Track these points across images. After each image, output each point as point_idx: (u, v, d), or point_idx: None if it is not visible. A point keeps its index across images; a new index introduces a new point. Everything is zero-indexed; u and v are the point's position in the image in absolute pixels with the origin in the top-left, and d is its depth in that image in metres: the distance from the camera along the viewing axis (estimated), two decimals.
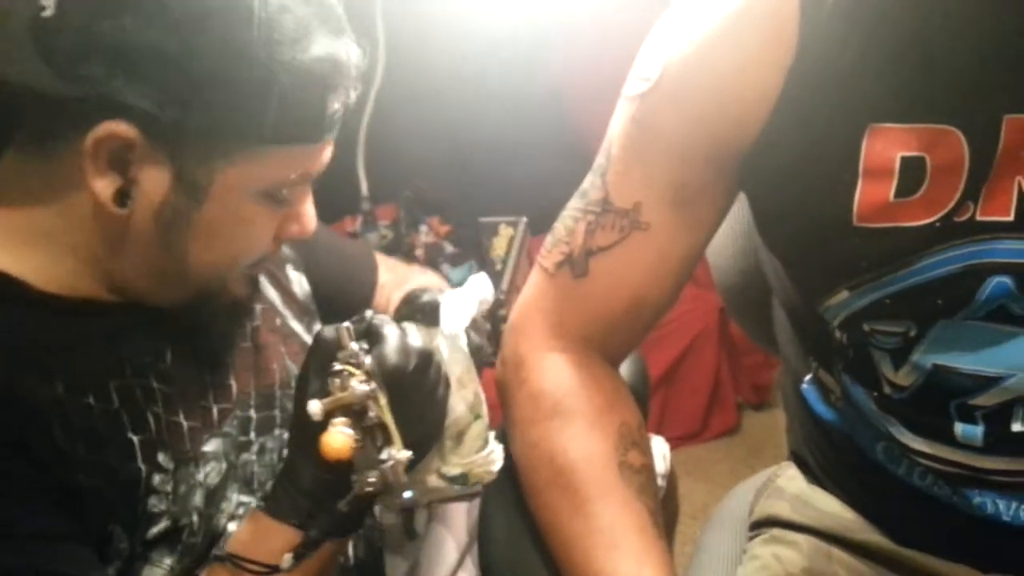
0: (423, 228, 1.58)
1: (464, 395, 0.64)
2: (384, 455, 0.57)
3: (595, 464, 0.65)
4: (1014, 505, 0.65)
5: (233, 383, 0.70)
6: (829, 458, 0.78)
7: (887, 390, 0.68)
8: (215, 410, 0.67)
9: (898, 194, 0.58)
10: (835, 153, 0.58)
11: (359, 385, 0.57)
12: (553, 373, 0.68)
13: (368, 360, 0.58)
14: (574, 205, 0.70)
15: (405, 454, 0.58)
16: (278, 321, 0.76)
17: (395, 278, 0.90)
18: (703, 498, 1.70)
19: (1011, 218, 0.56)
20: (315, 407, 0.57)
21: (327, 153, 0.62)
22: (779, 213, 0.63)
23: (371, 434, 0.57)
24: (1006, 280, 0.57)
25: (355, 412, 0.57)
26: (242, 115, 0.55)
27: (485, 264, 1.46)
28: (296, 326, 0.78)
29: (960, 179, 0.56)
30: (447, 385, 0.64)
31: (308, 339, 0.77)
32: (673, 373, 1.87)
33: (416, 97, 1.68)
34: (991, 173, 0.56)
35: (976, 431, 0.64)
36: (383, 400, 0.57)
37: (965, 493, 0.67)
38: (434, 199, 1.60)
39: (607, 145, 0.68)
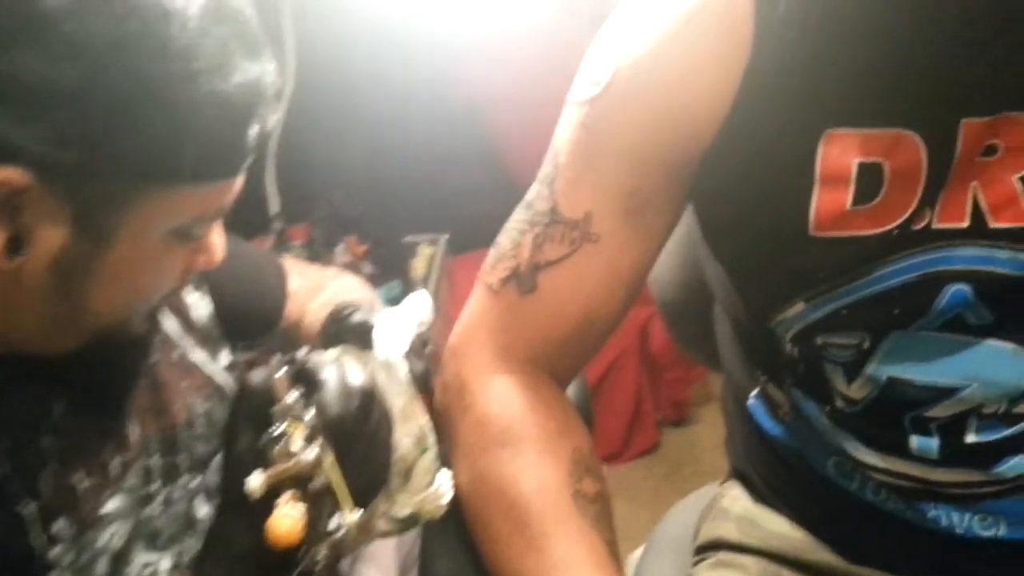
0: (339, 247, 1.51)
1: (408, 429, 0.59)
2: (334, 524, 0.51)
3: (548, 495, 0.61)
4: (967, 517, 0.65)
5: (132, 429, 0.62)
6: (776, 476, 0.77)
7: (839, 404, 0.66)
8: (115, 463, 0.60)
9: (855, 202, 0.56)
10: (791, 159, 0.57)
11: (306, 452, 0.50)
12: (500, 397, 0.64)
13: (308, 414, 0.52)
14: (519, 217, 0.66)
15: (356, 515, 0.53)
16: (177, 354, 0.68)
17: (308, 284, 0.83)
18: (627, 518, 1.67)
19: (966, 224, 0.56)
20: (256, 483, 0.50)
21: (240, 182, 0.56)
22: (732, 222, 0.61)
23: (319, 501, 0.51)
24: (964, 288, 0.57)
25: (301, 480, 0.50)
26: (157, 156, 0.48)
27: (407, 285, 1.41)
28: (198, 356, 0.71)
29: (918, 185, 0.56)
30: (390, 421, 0.58)
31: (213, 368, 0.70)
32: (595, 393, 1.85)
33: (329, 110, 1.61)
34: (948, 179, 0.55)
35: (931, 443, 0.63)
36: (329, 460, 0.51)
37: (919, 507, 0.66)
38: (351, 217, 1.53)
39: (553, 153, 0.64)
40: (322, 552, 0.51)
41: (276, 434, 0.51)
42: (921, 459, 0.64)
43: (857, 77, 0.55)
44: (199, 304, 0.73)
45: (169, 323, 0.69)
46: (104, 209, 0.49)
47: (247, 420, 0.54)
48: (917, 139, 0.55)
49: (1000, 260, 0.56)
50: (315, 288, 0.82)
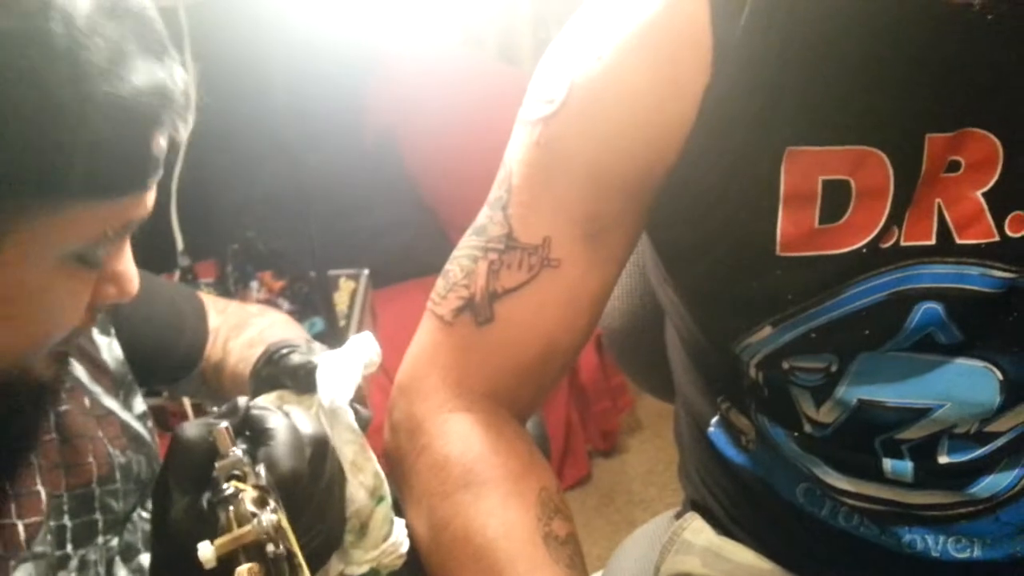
0: (254, 284, 1.42)
1: (362, 479, 0.53)
2: None
3: (517, 539, 0.55)
4: (942, 540, 0.63)
5: (41, 488, 0.54)
6: (741, 506, 0.74)
7: (808, 428, 0.64)
8: (21, 527, 0.52)
9: (822, 220, 0.54)
10: (755, 179, 0.55)
11: (264, 514, 0.43)
12: (458, 437, 0.59)
13: (257, 470, 0.45)
14: (471, 243, 0.61)
15: None
16: (88, 401, 0.61)
17: (230, 321, 0.75)
18: None
19: (933, 242, 0.55)
20: (207, 552, 0.42)
21: (150, 198, 0.49)
22: (695, 247, 0.58)
23: (278, 569, 0.43)
24: (935, 306, 0.55)
25: (257, 547, 0.43)
26: (40, 167, 0.41)
27: (331, 320, 1.33)
28: (110, 403, 0.63)
29: (885, 203, 0.54)
30: (343, 473, 0.52)
31: (126, 416, 0.63)
32: None
33: (240, 141, 1.53)
34: (914, 196, 0.54)
35: (906, 466, 0.62)
36: (284, 522, 0.44)
37: (894, 531, 0.64)
38: (265, 251, 1.44)
39: (505, 175, 0.60)
40: None
41: (226, 495, 0.44)
42: (895, 482, 0.62)
43: (820, 95, 0.53)
44: (110, 346, 0.65)
45: (78, 368, 0.61)
46: None
47: (183, 479, 0.46)
48: (882, 156, 0.53)
49: (971, 277, 0.55)
50: (237, 326, 0.75)
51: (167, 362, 0.70)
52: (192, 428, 0.47)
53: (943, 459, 0.61)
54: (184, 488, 0.46)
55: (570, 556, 0.57)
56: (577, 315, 0.60)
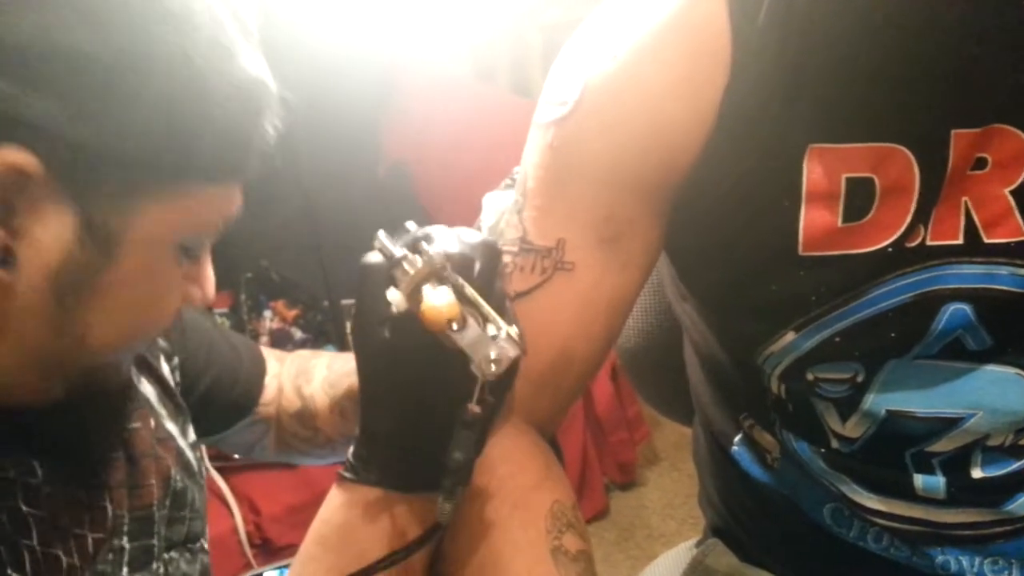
0: (267, 313, 1.42)
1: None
2: (491, 331, 0.47)
3: (524, 554, 0.53)
4: (978, 561, 0.60)
5: (108, 505, 0.53)
6: (766, 529, 0.71)
7: (835, 444, 0.62)
8: (90, 540, 0.51)
9: (846, 218, 0.53)
10: (776, 177, 0.53)
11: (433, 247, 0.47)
12: None
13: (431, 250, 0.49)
14: None
15: (513, 328, 0.48)
16: (153, 422, 0.60)
17: (289, 370, 0.75)
18: None
19: (960, 241, 0.53)
20: (395, 295, 0.48)
21: (240, 195, 0.49)
22: (715, 250, 0.57)
23: (472, 316, 0.47)
24: (964, 307, 0.53)
25: (437, 278, 0.47)
26: (176, 138, 0.42)
27: (343, 348, 1.32)
28: (171, 427, 0.62)
29: (911, 200, 0.52)
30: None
31: (182, 443, 0.62)
32: None
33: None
34: (941, 194, 0.52)
35: (938, 482, 0.59)
36: (459, 279, 0.48)
37: (926, 552, 0.61)
38: (279, 281, 1.44)
39: (522, 179, 0.59)
40: (495, 353, 0.47)
41: (399, 256, 0.48)
42: (927, 500, 0.60)
43: (842, 91, 0.52)
44: (174, 375, 0.65)
45: (147, 388, 0.61)
46: (113, 209, 0.42)
47: (370, 293, 0.50)
48: (908, 153, 0.52)
49: (1000, 277, 0.53)
50: (302, 372, 0.74)
51: (217, 406, 0.69)
52: (372, 255, 0.50)
53: (976, 473, 0.59)
54: (374, 300, 0.49)
55: (580, 572, 0.54)
56: (593, 321, 0.58)
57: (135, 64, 0.41)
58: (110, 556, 0.52)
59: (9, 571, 0.45)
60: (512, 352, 0.47)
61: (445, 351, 0.47)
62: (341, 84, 1.61)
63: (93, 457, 0.54)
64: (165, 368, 0.64)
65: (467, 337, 0.47)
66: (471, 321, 0.47)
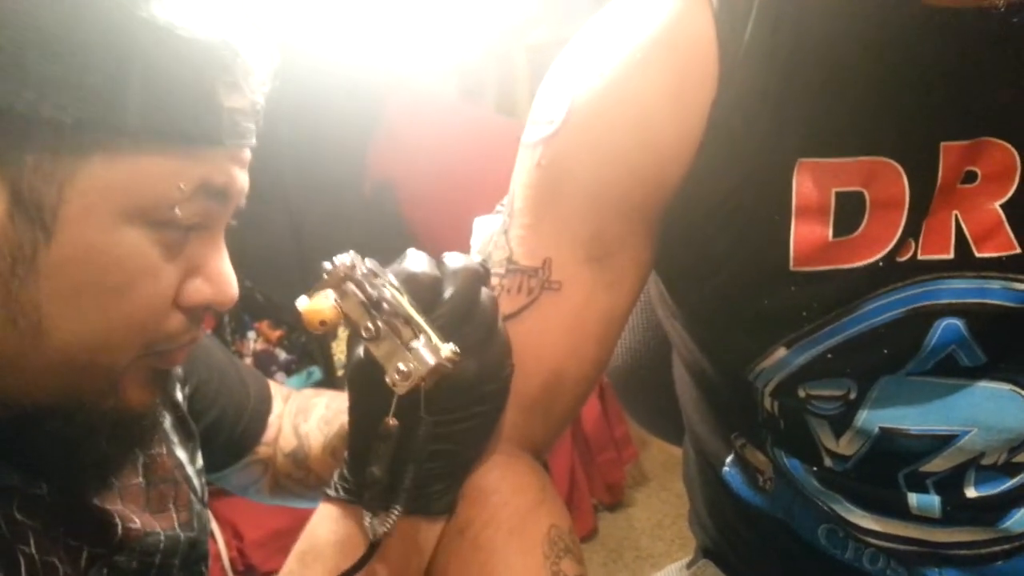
0: (251, 334, 1.40)
1: None
2: (414, 344, 0.47)
3: None
4: None
5: (118, 522, 0.51)
6: (757, 551, 0.70)
7: (828, 462, 0.61)
8: (85, 553, 0.49)
9: (836, 233, 0.52)
10: (765, 192, 0.53)
11: (360, 266, 0.47)
12: None
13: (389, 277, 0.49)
14: None
15: (448, 347, 0.47)
16: (165, 448, 0.58)
17: (291, 408, 0.73)
18: None
19: (951, 255, 0.52)
20: (301, 300, 0.49)
21: (236, 171, 0.46)
22: (705, 266, 0.56)
23: (391, 326, 0.47)
24: (956, 322, 0.53)
25: (363, 305, 0.47)
26: (93, 92, 0.39)
27: (329, 370, 1.30)
28: (182, 455, 0.60)
29: (901, 214, 0.52)
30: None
31: (191, 470, 0.60)
32: None
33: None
34: (931, 207, 0.52)
35: (932, 501, 0.58)
36: (397, 293, 0.48)
37: (923, 572, 0.60)
38: (263, 301, 1.42)
39: (509, 199, 0.58)
40: (405, 366, 0.46)
41: (325, 268, 0.48)
42: (922, 519, 0.59)
43: (830, 105, 0.52)
44: (184, 401, 0.63)
45: (164, 417, 0.59)
46: (41, 177, 0.39)
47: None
48: (897, 166, 0.52)
49: (993, 291, 0.52)
50: (302, 410, 0.72)
51: (219, 442, 0.66)
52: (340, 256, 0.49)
53: (971, 492, 0.58)
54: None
55: None
56: (583, 341, 0.57)
57: (41, 17, 0.38)
58: (104, 571, 0.51)
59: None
60: (425, 365, 0.46)
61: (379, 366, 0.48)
62: (327, 103, 1.61)
63: (109, 476, 0.52)
64: (179, 395, 0.62)
65: (382, 348, 0.47)
66: (389, 333, 0.47)
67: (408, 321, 0.47)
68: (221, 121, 0.44)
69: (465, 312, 0.49)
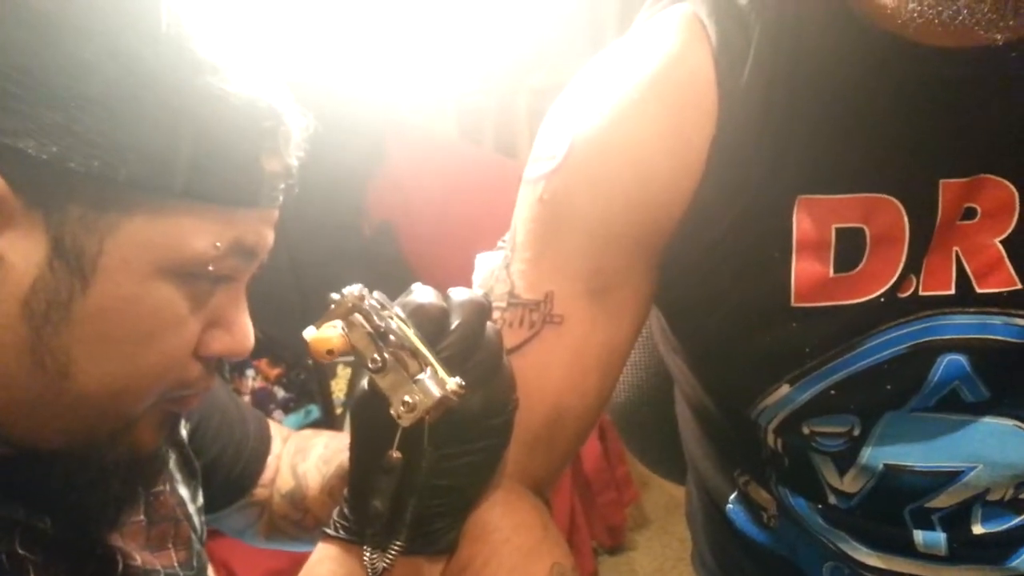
0: (249, 372, 1.39)
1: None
2: (419, 376, 0.47)
3: None
4: None
5: (119, 560, 0.51)
6: None
7: (833, 499, 0.60)
8: None
9: (837, 269, 0.52)
10: (766, 228, 0.53)
11: (367, 299, 0.47)
12: None
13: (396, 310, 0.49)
14: None
15: (454, 380, 0.47)
16: (168, 486, 0.58)
17: (290, 448, 0.72)
18: None
19: (953, 291, 0.53)
20: (308, 330, 0.48)
21: (266, 231, 0.47)
22: (706, 303, 0.56)
23: (397, 357, 0.47)
24: (959, 358, 0.53)
25: (369, 336, 0.47)
26: (145, 153, 0.41)
27: (327, 408, 1.29)
28: (184, 492, 0.60)
29: (901, 251, 0.52)
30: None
31: (192, 508, 0.60)
32: None
33: None
34: (931, 244, 0.52)
35: (939, 538, 0.58)
36: (403, 326, 0.47)
37: None
38: (262, 339, 1.42)
39: (511, 234, 0.59)
40: (411, 397, 0.46)
41: (332, 298, 0.48)
42: (928, 556, 0.58)
43: (829, 142, 0.52)
44: (187, 438, 0.62)
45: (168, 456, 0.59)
46: (85, 229, 0.41)
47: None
48: (896, 203, 0.52)
49: (995, 327, 0.52)
50: (300, 451, 0.71)
51: (216, 481, 0.66)
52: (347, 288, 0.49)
53: (977, 529, 0.58)
54: None
55: None
56: (585, 375, 0.57)
57: (99, 78, 0.40)
58: None
59: None
60: (431, 397, 0.46)
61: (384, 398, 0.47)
62: (327, 143, 1.62)
63: (113, 514, 0.51)
64: (184, 432, 0.61)
65: (387, 380, 0.47)
66: (396, 365, 0.46)
67: (414, 353, 0.47)
68: (261, 185, 0.45)
69: (471, 345, 0.49)
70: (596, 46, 0.61)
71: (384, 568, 0.48)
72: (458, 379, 0.47)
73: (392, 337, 0.47)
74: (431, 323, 0.48)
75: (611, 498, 1.87)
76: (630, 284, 0.57)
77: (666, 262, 0.57)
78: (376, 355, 0.46)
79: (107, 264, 0.41)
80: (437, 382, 0.46)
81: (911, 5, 0.46)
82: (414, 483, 0.49)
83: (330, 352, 0.47)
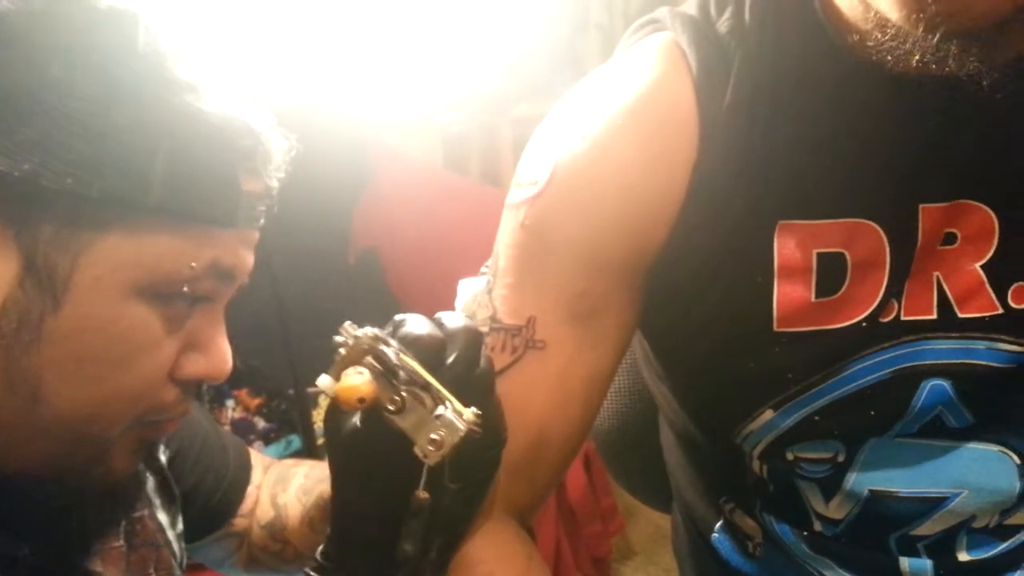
0: (229, 402, 1.37)
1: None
2: (439, 411, 0.45)
3: None
4: None
5: None
6: None
7: (818, 527, 0.60)
8: None
9: (819, 294, 0.53)
10: (748, 253, 0.53)
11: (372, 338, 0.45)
12: None
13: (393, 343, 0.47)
14: None
15: (470, 411, 0.45)
16: (148, 511, 0.57)
17: (270, 478, 0.71)
18: None
19: (935, 316, 0.53)
20: (324, 379, 0.46)
21: (244, 252, 0.47)
22: (689, 329, 0.56)
23: (412, 395, 0.45)
24: (942, 383, 0.53)
25: (381, 375, 0.45)
26: (118, 169, 0.40)
27: (308, 438, 1.28)
28: (163, 518, 0.58)
29: (882, 275, 0.52)
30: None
31: (171, 535, 0.58)
32: None
33: None
34: (911, 268, 0.52)
35: (925, 565, 0.57)
36: (411, 361, 0.46)
37: None
38: (243, 368, 1.40)
39: (493, 259, 0.58)
40: (436, 435, 0.44)
41: (337, 342, 0.46)
42: None
43: (809, 168, 0.53)
44: (166, 463, 0.61)
45: (145, 474, 0.57)
46: (57, 247, 0.40)
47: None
48: (876, 228, 0.52)
49: (978, 352, 0.52)
50: (280, 480, 0.70)
51: (195, 510, 0.64)
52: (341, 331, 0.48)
53: (963, 556, 0.57)
54: None
55: None
56: (568, 401, 0.56)
57: (73, 94, 0.39)
58: None
59: None
60: (457, 433, 0.44)
61: (403, 438, 0.45)
62: (312, 171, 1.62)
63: (90, 539, 0.50)
64: (163, 457, 0.60)
65: (408, 419, 0.45)
66: (414, 403, 0.45)
67: (426, 388, 0.45)
68: (239, 205, 0.45)
69: (470, 373, 0.48)
70: (579, 77, 0.62)
71: None
72: (474, 409, 0.45)
73: (402, 374, 0.45)
74: (429, 354, 0.47)
75: (597, 529, 1.85)
76: (613, 309, 0.57)
77: (650, 287, 0.57)
78: (395, 395, 0.45)
79: (80, 283, 0.41)
80: (456, 415, 0.45)
81: (890, 44, 0.46)
82: (439, 522, 0.47)
83: (361, 400, 0.45)
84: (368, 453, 0.48)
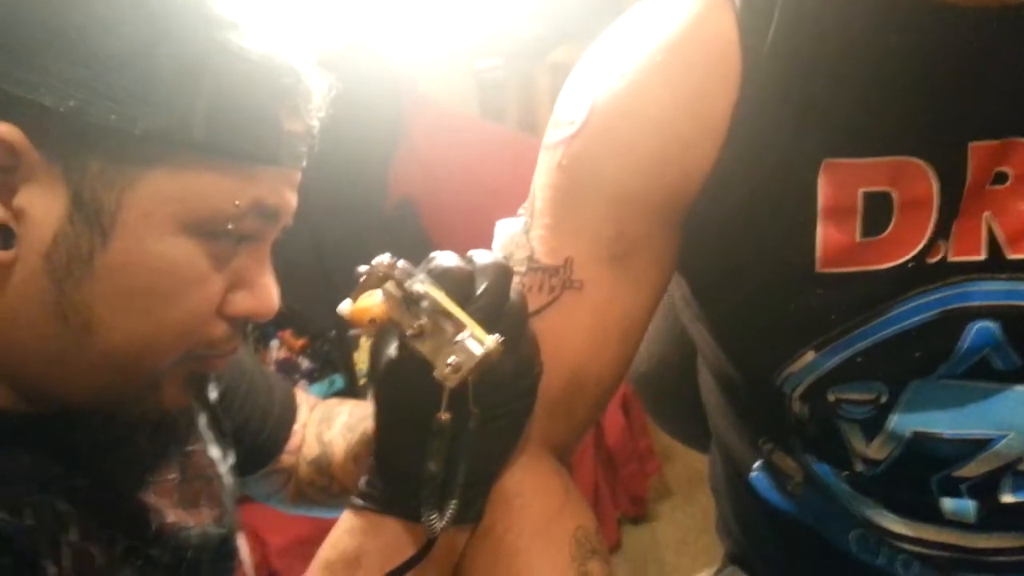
0: (274, 343, 1.41)
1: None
2: (459, 337, 0.47)
3: None
4: None
5: (153, 517, 0.53)
6: (786, 557, 0.69)
7: (859, 467, 0.60)
8: (120, 545, 0.50)
9: (864, 233, 0.52)
10: (790, 194, 0.52)
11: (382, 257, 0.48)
12: None
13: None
14: None
15: (492, 337, 0.47)
16: (200, 445, 0.59)
17: (315, 417, 0.73)
18: None
19: (983, 257, 0.52)
20: (344, 305, 0.49)
21: (287, 192, 0.48)
22: (729, 271, 0.55)
23: (435, 322, 0.47)
24: (990, 325, 0.52)
25: (404, 303, 0.47)
26: (162, 106, 0.41)
27: (351, 379, 1.31)
28: (215, 453, 0.61)
29: (929, 215, 0.51)
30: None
31: (223, 469, 0.61)
32: None
33: None
34: (960, 208, 0.51)
35: (967, 505, 0.57)
36: (432, 289, 0.47)
37: None
38: (286, 310, 1.43)
39: (530, 199, 0.58)
40: (453, 359, 0.46)
41: (360, 271, 0.49)
42: (957, 524, 0.58)
43: (855, 105, 0.51)
44: (216, 399, 0.63)
45: (196, 408, 0.60)
46: (104, 183, 0.41)
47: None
48: (925, 166, 0.51)
49: None
50: (325, 419, 0.72)
51: (242, 448, 0.66)
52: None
53: (1007, 498, 0.57)
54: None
55: None
56: (605, 340, 0.56)
57: (116, 32, 0.40)
58: (139, 563, 0.51)
59: (47, 560, 0.44)
60: (473, 357, 0.46)
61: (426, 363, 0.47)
62: (349, 120, 1.62)
63: (144, 472, 0.52)
64: (214, 394, 0.62)
65: (428, 344, 0.47)
66: (435, 329, 0.47)
67: (448, 316, 0.47)
68: (280, 143, 0.46)
69: (499, 306, 0.49)
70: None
71: (442, 528, 0.48)
72: (496, 336, 0.47)
73: (425, 302, 0.47)
74: (458, 286, 0.48)
75: (634, 469, 1.88)
76: (651, 249, 0.56)
77: (688, 228, 0.56)
78: (415, 321, 0.46)
79: (127, 219, 0.42)
80: (477, 341, 0.46)
81: None
82: (463, 444, 0.49)
83: (372, 321, 0.47)
84: (399, 380, 0.50)
